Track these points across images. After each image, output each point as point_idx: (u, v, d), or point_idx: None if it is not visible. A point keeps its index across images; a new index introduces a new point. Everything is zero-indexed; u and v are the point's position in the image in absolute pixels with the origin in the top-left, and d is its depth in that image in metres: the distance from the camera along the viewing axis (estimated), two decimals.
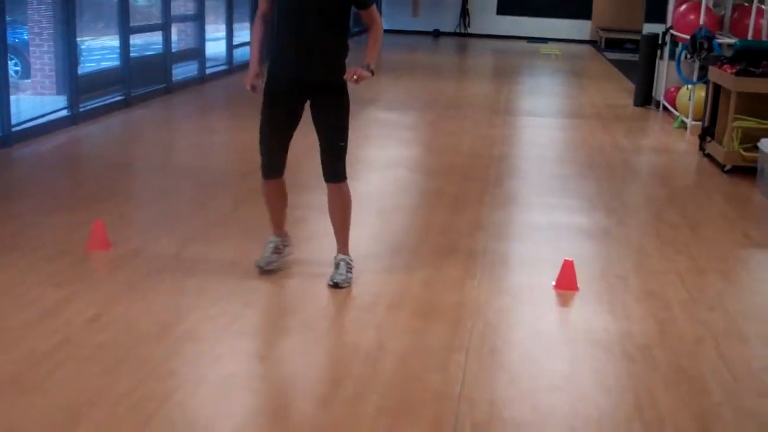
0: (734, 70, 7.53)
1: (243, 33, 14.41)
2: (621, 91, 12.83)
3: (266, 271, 4.57)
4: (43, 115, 8.22)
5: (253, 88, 4.44)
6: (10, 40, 7.93)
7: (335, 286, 4.47)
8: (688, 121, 9.38)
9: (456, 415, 3.24)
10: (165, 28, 10.82)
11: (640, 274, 4.91)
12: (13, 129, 7.59)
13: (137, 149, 8.02)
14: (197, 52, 12.17)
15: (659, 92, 11.03)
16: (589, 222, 5.90)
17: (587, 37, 22.70)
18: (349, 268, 4.57)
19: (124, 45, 9.72)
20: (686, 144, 8.90)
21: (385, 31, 19.40)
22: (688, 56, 9.37)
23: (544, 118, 10.48)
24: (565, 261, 4.64)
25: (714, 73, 8.08)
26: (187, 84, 11.53)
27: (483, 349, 3.83)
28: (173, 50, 11.20)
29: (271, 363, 3.69)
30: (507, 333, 4.05)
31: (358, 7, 4.38)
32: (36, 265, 4.62)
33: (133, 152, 7.83)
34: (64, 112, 8.62)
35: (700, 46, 9.08)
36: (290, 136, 4.52)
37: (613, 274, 4.91)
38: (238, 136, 8.62)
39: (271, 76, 4.46)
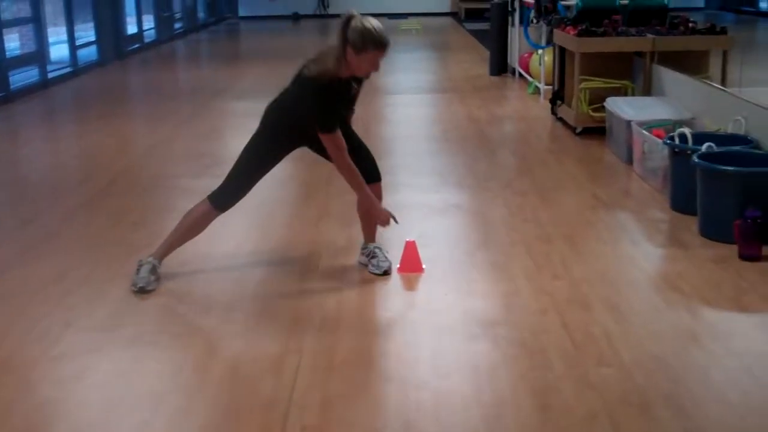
0: (576, 32, 7.53)
1: (87, 33, 13.84)
2: (479, 62, 12.82)
3: (147, 291, 4.19)
4: None
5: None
6: None
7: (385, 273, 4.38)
8: (542, 86, 9.39)
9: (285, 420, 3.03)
10: None
11: (488, 247, 4.80)
12: None
13: None
14: (38, 56, 11.54)
15: (514, 59, 11.06)
16: (439, 198, 5.77)
17: (448, 10, 22.79)
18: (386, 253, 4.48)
19: None
20: (540, 109, 8.91)
21: (243, 17, 19.33)
22: (534, 21, 9.38)
23: (401, 95, 10.35)
24: (407, 242, 4.48)
25: (558, 36, 8.08)
26: (28, 90, 10.92)
27: (318, 346, 3.62)
28: (10, 55, 10.60)
29: (88, 387, 3.38)
30: (344, 325, 3.85)
31: None
32: None
33: None
34: None
35: (545, 10, 9.09)
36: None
37: (461, 250, 4.79)
38: (80, 142, 8.19)
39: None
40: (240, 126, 8.42)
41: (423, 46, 15.88)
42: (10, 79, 10.41)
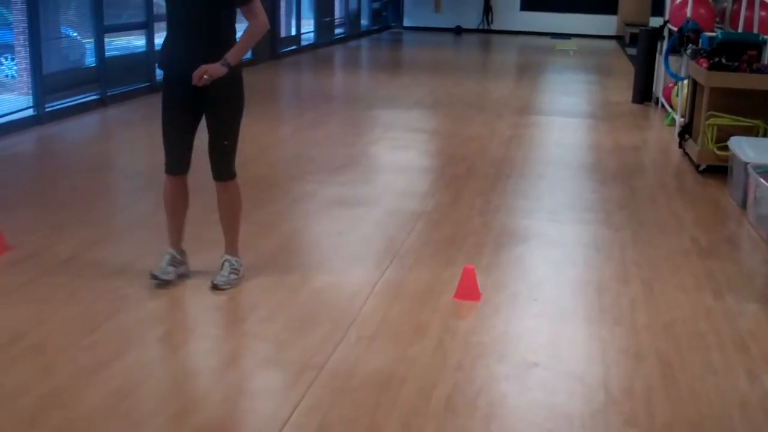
0: (708, 65, 7.11)
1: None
2: (626, 89, 12.31)
3: (162, 281, 4.28)
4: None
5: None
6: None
7: (214, 287, 4.26)
8: (677, 118, 8.92)
9: None
10: (147, 26, 10.66)
11: (557, 282, 4.58)
12: None
13: (91, 150, 7.85)
14: None
15: (659, 88, 10.59)
16: (525, 224, 5.58)
17: (613, 33, 22.14)
18: (234, 271, 4.34)
19: (99, 43, 9.59)
20: (670, 142, 8.46)
21: (406, 28, 19.51)
22: (677, 50, 8.94)
23: (533, 116, 10.08)
24: (466, 268, 4.32)
25: (692, 67, 7.67)
26: None
27: (340, 367, 3.54)
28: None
29: (103, 378, 3.43)
30: (373, 348, 3.74)
31: (237, 3, 4.16)
32: None
33: (82, 154, 7.66)
34: (30, 112, 8.53)
35: (687, 40, 8.63)
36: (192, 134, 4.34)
37: (527, 282, 4.58)
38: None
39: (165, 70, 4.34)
40: (382, 136, 8.48)
41: (574, 68, 15.46)
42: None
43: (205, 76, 4.03)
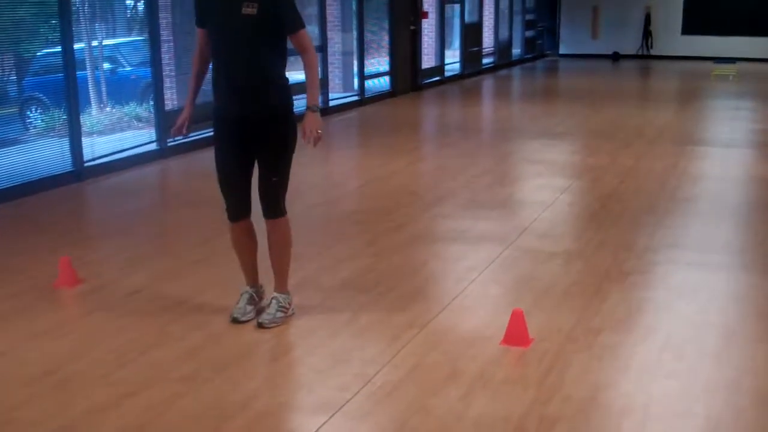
0: None
1: (380, 65, 14.36)
2: None
3: (241, 322, 4.27)
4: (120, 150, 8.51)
5: (180, 131, 4.30)
6: None
7: (259, 326, 4.18)
8: None
9: None
10: None
11: (624, 330, 4.20)
12: (86, 164, 7.84)
13: (195, 185, 8.03)
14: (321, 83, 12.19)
15: None
16: (668, 269, 5.18)
17: None
18: (282, 310, 4.25)
19: None
20: None
21: (562, 55, 19.49)
22: None
23: (695, 146, 9.48)
24: (515, 311, 4.04)
25: None
26: None
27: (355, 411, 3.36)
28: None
29: (112, 417, 3.39)
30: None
31: (287, 32, 4.07)
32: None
33: (187, 188, 7.84)
34: (153, 146, 8.87)
35: None
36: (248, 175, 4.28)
37: (583, 327, 4.23)
38: (324, 166, 8.47)
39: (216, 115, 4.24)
40: (548, 170, 8.24)
41: (735, 95, 14.59)
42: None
43: (318, 132, 4.00)
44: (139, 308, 4.53)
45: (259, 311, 4.34)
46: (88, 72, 12.05)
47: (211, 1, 4.08)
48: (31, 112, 10.29)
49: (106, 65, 12.73)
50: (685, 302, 4.58)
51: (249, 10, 3.94)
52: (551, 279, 5.00)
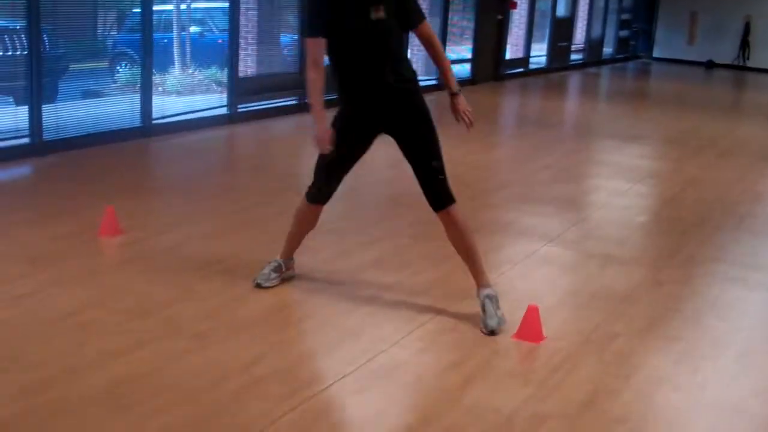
0: None
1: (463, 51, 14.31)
2: None
3: (263, 287, 4.33)
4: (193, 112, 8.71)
5: (327, 144, 4.03)
6: None
7: (491, 333, 3.95)
8: None
9: None
10: None
11: (637, 335, 4.15)
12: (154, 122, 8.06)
13: (257, 151, 8.17)
14: None
15: None
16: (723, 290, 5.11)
17: None
18: (497, 306, 4.05)
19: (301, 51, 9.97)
20: None
21: (656, 58, 19.08)
22: None
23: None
24: (529, 306, 4.02)
25: None
26: None
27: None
28: None
29: (119, 363, 3.51)
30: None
31: (412, 25, 4.02)
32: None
33: (250, 153, 7.98)
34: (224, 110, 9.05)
35: None
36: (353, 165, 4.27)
37: (603, 331, 4.18)
38: None
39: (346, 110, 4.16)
40: (611, 171, 8.17)
41: None
42: None
43: (469, 110, 4.01)
44: (171, 264, 4.66)
45: (284, 280, 4.40)
46: (174, 33, 12.32)
47: (338, 9, 3.92)
48: (120, 67, 10.62)
49: (193, 28, 13.00)
50: (714, 318, 4.50)
51: (378, 14, 3.90)
52: (583, 280, 4.96)
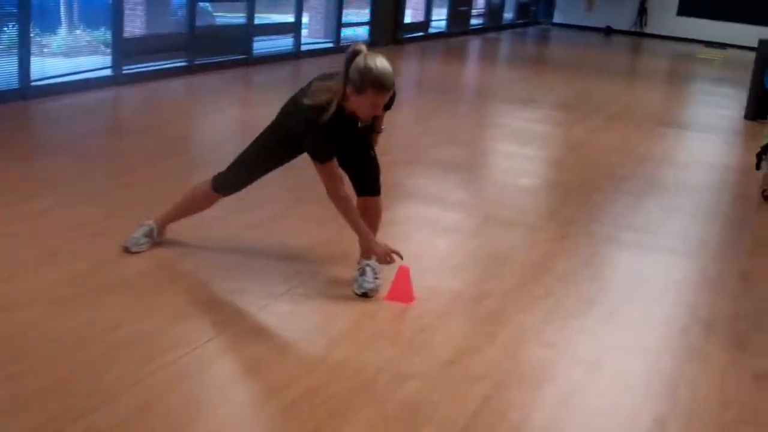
0: None
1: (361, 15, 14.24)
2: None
3: (132, 252, 4.24)
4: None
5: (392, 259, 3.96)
6: None
7: (364, 296, 3.99)
8: None
9: None
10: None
11: (508, 297, 4.21)
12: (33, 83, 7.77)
13: (144, 112, 7.98)
14: (294, 27, 12.06)
15: None
16: (499, 233, 5.19)
17: None
18: (376, 276, 4.07)
19: (191, 11, 9.75)
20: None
21: (555, 24, 19.24)
22: None
23: (653, 126, 9.46)
24: (401, 268, 4.02)
25: None
26: (279, 58, 11.51)
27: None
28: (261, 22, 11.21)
29: None
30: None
31: None
32: None
33: (138, 116, 7.78)
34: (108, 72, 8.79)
35: None
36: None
37: (476, 291, 4.23)
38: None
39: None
40: (500, 134, 8.20)
41: (708, 80, 14.53)
42: (256, 44, 11.01)
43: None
44: (37, 228, 4.52)
45: (156, 244, 4.32)
46: None
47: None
48: (7, 27, 10.18)
49: None
50: (585, 276, 4.60)
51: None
52: (460, 242, 5.01)
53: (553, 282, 4.45)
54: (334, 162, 3.84)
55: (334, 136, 3.80)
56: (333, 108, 3.70)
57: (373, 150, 4.12)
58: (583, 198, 6.11)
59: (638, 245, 5.19)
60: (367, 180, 4.10)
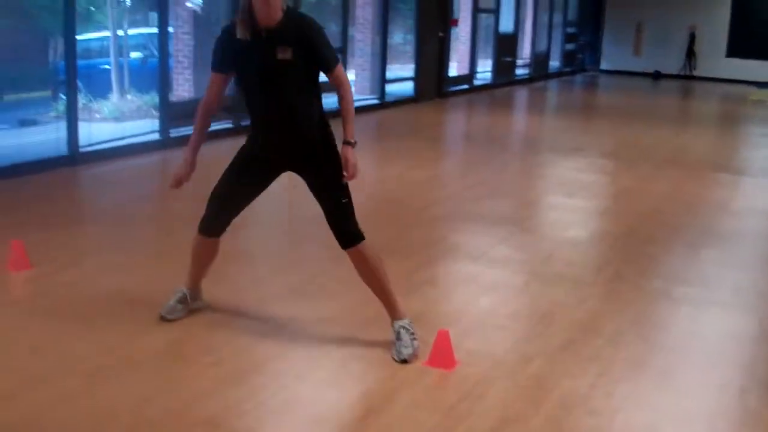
0: None
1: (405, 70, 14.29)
2: None
3: (168, 320, 4.19)
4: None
5: (178, 184, 4.11)
6: None
7: (403, 362, 3.83)
8: None
9: None
10: None
11: (551, 360, 4.04)
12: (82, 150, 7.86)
13: None
14: None
15: None
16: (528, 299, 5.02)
17: None
18: (413, 336, 3.93)
19: None
20: None
21: (603, 70, 19.24)
22: None
23: (703, 171, 9.25)
24: (440, 332, 3.89)
25: None
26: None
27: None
28: None
29: None
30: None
31: (323, 70, 3.87)
32: None
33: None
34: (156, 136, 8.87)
35: None
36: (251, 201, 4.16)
37: (518, 354, 4.07)
38: None
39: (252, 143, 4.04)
40: (547, 185, 8.09)
41: (761, 121, 14.23)
42: None
43: (350, 171, 3.81)
44: (73, 297, 4.50)
45: (192, 311, 4.25)
46: (112, 59, 12.12)
47: (245, 46, 3.79)
48: (63, 95, 10.41)
49: (134, 54, 12.80)
50: (634, 336, 4.39)
51: (284, 54, 3.76)
52: (502, 300, 4.86)
53: (601, 342, 4.26)
54: (216, 75, 3.95)
55: (227, 48, 3.87)
56: (240, 16, 3.74)
57: (343, 195, 3.92)
58: (632, 250, 5.92)
59: (692, 300, 4.97)
60: (335, 233, 3.97)
